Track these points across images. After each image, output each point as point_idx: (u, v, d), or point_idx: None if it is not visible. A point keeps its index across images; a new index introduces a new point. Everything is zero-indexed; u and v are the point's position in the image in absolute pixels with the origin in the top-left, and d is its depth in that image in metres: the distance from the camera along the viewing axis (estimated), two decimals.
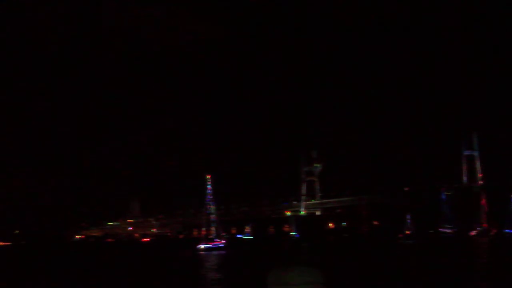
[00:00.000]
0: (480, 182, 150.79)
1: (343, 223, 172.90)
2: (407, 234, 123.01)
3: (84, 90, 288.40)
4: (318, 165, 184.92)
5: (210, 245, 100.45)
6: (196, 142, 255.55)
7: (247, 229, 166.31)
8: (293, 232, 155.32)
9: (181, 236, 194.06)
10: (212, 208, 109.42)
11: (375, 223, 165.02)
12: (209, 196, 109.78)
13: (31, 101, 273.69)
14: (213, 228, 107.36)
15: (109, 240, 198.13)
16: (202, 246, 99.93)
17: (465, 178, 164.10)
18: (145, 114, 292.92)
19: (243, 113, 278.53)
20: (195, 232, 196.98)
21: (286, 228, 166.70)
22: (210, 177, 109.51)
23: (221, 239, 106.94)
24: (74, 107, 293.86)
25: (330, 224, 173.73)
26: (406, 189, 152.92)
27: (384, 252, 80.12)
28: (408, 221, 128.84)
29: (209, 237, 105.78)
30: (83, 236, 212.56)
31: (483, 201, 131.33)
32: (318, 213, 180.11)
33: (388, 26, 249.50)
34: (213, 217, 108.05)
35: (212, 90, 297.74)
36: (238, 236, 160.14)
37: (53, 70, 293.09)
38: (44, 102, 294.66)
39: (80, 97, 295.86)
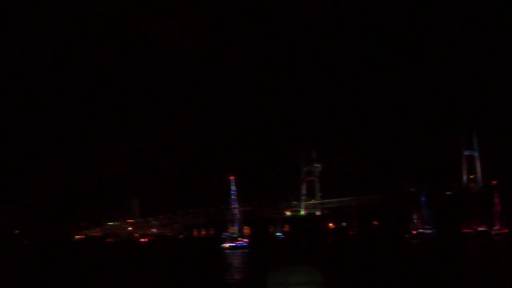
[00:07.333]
0: (494, 182, 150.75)
1: (343, 223, 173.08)
2: (414, 234, 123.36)
3: (86, 89, 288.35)
4: (318, 165, 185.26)
5: (235, 244, 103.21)
6: (196, 142, 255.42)
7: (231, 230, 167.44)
8: (278, 233, 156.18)
9: (181, 236, 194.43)
10: (237, 207, 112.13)
11: (375, 223, 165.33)
12: (234, 197, 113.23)
13: (32, 100, 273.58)
14: (236, 228, 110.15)
15: (109, 240, 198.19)
16: (227, 245, 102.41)
17: (465, 178, 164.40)
18: (145, 114, 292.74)
19: (242, 112, 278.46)
20: (195, 232, 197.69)
21: (286, 228, 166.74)
22: (234, 178, 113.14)
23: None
24: (76, 107, 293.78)
25: (330, 224, 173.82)
26: (412, 189, 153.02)
27: (389, 251, 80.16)
28: (415, 221, 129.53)
29: (234, 236, 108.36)
30: (83, 236, 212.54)
31: (496, 201, 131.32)
32: (318, 213, 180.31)
33: (388, 25, 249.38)
34: (237, 216, 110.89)
35: (211, 90, 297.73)
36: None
37: (55, 70, 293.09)
38: (46, 101, 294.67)
39: (81, 97, 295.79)
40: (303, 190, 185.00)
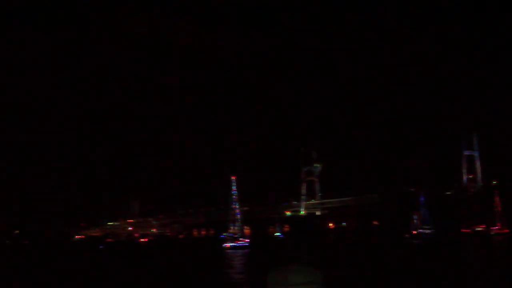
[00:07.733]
0: (494, 182, 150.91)
1: (343, 223, 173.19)
2: (414, 234, 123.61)
3: (85, 89, 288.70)
4: (318, 165, 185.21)
5: (236, 244, 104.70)
6: (195, 142, 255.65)
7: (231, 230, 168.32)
8: (278, 233, 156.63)
9: (181, 236, 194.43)
10: (237, 207, 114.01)
11: (375, 223, 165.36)
12: (234, 197, 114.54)
13: (31, 100, 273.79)
14: (236, 228, 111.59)
15: (109, 240, 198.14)
16: (228, 245, 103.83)
17: (465, 178, 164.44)
18: (145, 114, 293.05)
19: (242, 112, 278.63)
20: (195, 232, 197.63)
21: (286, 228, 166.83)
22: (235, 178, 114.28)
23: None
24: (75, 107, 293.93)
25: (330, 224, 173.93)
26: (412, 189, 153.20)
27: (389, 251, 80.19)
28: (415, 221, 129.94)
29: (235, 236, 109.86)
30: (83, 236, 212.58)
31: (496, 201, 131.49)
32: (318, 213, 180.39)
33: (388, 26, 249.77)
34: (237, 216, 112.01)
35: (211, 90, 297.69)
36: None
37: (54, 70, 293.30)
38: (45, 101, 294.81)
39: (80, 96, 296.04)
40: (303, 190, 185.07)
